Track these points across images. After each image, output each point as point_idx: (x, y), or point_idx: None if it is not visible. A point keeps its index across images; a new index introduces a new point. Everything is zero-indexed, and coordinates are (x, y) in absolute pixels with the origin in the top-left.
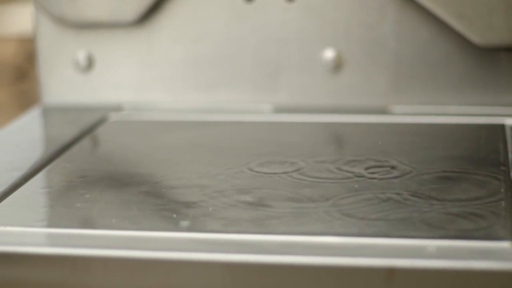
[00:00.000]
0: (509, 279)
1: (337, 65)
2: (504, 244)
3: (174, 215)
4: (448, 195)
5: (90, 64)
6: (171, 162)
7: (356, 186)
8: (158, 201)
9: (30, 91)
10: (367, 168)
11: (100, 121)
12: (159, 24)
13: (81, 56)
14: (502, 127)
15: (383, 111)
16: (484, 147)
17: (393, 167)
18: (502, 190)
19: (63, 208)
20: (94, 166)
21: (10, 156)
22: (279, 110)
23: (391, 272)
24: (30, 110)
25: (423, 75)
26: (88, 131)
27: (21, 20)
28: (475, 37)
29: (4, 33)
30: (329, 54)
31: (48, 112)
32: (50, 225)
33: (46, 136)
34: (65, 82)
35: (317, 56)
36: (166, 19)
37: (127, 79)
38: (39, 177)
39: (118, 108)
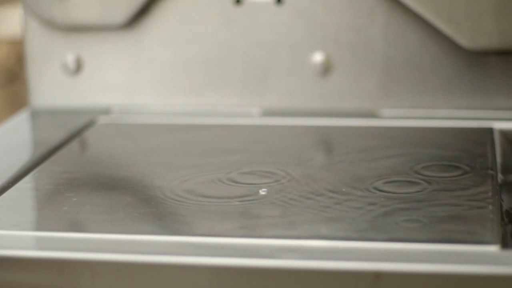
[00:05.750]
0: (497, 283)
1: (326, 69)
2: (491, 248)
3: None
4: (436, 199)
5: (79, 67)
6: (160, 166)
7: (343, 189)
8: (145, 204)
9: (21, 94)
10: (356, 172)
11: (89, 124)
12: (148, 27)
13: (70, 59)
14: (490, 130)
15: (372, 115)
16: (473, 150)
17: (381, 171)
18: (490, 194)
19: (50, 211)
20: (82, 169)
21: None
22: (268, 113)
23: (377, 276)
24: (18, 113)
25: (412, 79)
26: (76, 134)
27: (12, 22)
28: (464, 41)
29: None
30: (318, 57)
31: (37, 115)
32: (37, 228)
33: (34, 139)
34: (54, 85)
35: (306, 59)
36: (155, 22)
37: (115, 82)
38: (27, 180)
39: (106, 111)
